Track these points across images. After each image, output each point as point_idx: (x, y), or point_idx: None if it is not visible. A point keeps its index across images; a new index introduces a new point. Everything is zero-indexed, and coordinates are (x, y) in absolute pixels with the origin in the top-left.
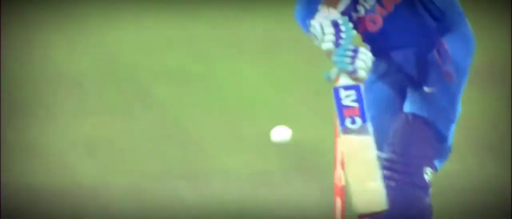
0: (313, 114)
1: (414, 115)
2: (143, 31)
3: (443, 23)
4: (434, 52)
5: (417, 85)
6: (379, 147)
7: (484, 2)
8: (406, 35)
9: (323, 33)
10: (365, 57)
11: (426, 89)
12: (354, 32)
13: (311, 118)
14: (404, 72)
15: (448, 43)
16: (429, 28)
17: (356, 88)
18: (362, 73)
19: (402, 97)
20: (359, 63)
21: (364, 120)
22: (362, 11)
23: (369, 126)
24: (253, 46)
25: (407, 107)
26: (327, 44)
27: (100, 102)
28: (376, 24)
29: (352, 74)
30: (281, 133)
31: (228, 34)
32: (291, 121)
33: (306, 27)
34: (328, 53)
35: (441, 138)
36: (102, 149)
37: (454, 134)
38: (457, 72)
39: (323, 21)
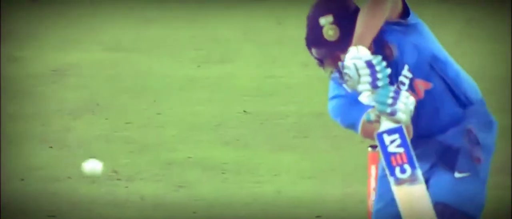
0: None
1: (444, 205)
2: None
3: (470, 110)
4: (464, 138)
5: (448, 171)
6: None
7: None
8: (435, 121)
9: (359, 75)
10: (406, 101)
11: (457, 174)
12: (389, 70)
13: None
14: (434, 159)
15: (476, 128)
16: (457, 114)
17: (399, 130)
18: (402, 116)
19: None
20: (400, 106)
21: (413, 167)
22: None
23: (419, 173)
24: None
25: (435, 196)
26: (364, 86)
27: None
28: None
29: (391, 116)
30: (93, 166)
31: None
32: None
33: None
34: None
35: None
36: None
37: None
38: (486, 155)
39: (357, 62)
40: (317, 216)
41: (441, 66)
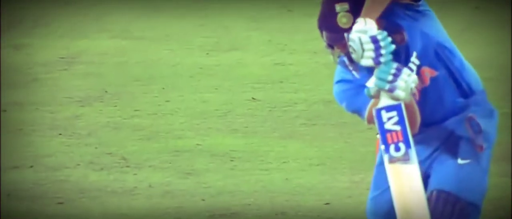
0: None
1: (442, 191)
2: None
3: (471, 99)
4: (466, 126)
5: (450, 158)
6: None
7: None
8: (439, 109)
9: (363, 49)
10: (407, 78)
11: (460, 161)
12: (393, 47)
13: None
14: (437, 144)
15: (478, 117)
16: (459, 103)
17: (397, 108)
18: (401, 93)
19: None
20: (399, 83)
21: (408, 146)
22: None
23: (414, 153)
24: None
25: (437, 184)
26: (367, 60)
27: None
28: (414, 95)
29: (390, 92)
30: None
31: None
32: None
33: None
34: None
35: (475, 211)
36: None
37: None
38: (488, 143)
39: (362, 36)
40: (325, 204)
41: (447, 55)
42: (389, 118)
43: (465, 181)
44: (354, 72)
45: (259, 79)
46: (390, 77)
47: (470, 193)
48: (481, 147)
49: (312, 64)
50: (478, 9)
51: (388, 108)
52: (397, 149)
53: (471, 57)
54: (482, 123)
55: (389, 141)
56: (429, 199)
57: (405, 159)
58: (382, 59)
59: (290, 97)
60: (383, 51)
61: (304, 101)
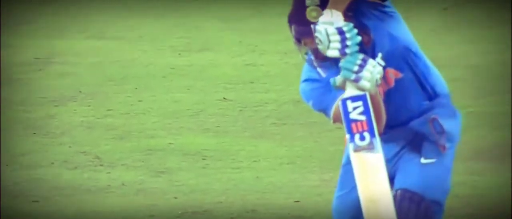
0: None
1: (407, 191)
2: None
3: (435, 102)
4: (430, 127)
5: (414, 157)
6: None
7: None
8: (403, 111)
9: (329, 40)
10: (372, 69)
11: (423, 160)
12: (359, 38)
13: None
14: (402, 144)
15: (441, 118)
16: (423, 105)
17: (362, 98)
18: (366, 84)
19: None
20: (365, 74)
21: (372, 134)
22: None
23: (378, 142)
24: None
25: (402, 183)
26: (333, 51)
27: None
28: (380, 92)
29: (355, 82)
30: None
31: None
32: None
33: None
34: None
35: (439, 209)
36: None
37: None
38: (450, 143)
39: (329, 27)
40: (295, 201)
41: (413, 58)
42: (355, 108)
43: (429, 180)
44: (320, 71)
45: (230, 80)
46: (356, 68)
47: (433, 192)
48: (444, 147)
49: (282, 65)
50: (446, 10)
51: (354, 98)
52: (362, 138)
53: (440, 58)
54: (445, 124)
55: (354, 130)
56: (394, 198)
57: (370, 148)
58: (348, 50)
59: (260, 97)
60: (349, 42)
61: (274, 101)
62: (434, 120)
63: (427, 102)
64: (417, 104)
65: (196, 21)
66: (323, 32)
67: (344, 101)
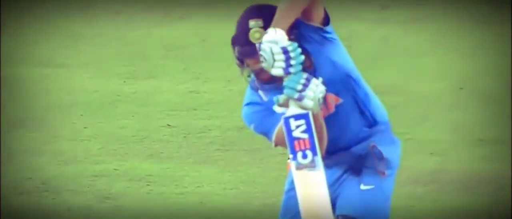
0: None
1: (347, 218)
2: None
3: (375, 129)
4: (369, 153)
5: (354, 184)
6: None
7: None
8: (343, 137)
9: (274, 59)
10: (316, 88)
11: (363, 187)
12: (303, 57)
13: None
14: (343, 170)
15: (381, 145)
16: (363, 132)
17: (305, 117)
18: (308, 103)
19: None
20: (308, 93)
21: (314, 153)
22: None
23: (320, 160)
24: None
25: (342, 209)
26: (277, 70)
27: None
28: (323, 111)
29: (298, 101)
30: None
31: None
32: None
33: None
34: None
35: None
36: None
37: (455, 132)
38: (390, 170)
39: (274, 47)
40: None
41: (353, 85)
42: (297, 126)
43: (368, 206)
44: (262, 94)
45: (174, 107)
46: (299, 87)
47: (373, 218)
48: (384, 173)
49: (225, 92)
50: (386, 38)
51: (297, 117)
52: (304, 156)
53: (379, 85)
54: (385, 151)
55: (297, 148)
56: None
57: (312, 166)
58: (292, 70)
59: (204, 123)
60: (293, 62)
61: (218, 127)
62: (373, 147)
63: (366, 129)
64: (357, 130)
65: (141, 49)
66: (268, 50)
67: (287, 120)
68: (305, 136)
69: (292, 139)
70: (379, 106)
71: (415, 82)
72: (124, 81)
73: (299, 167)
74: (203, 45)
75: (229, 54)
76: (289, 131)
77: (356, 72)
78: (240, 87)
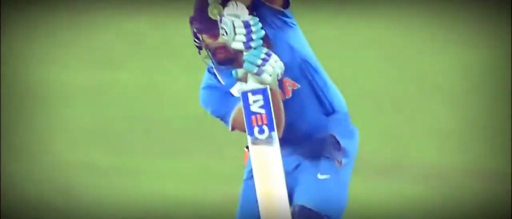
0: None
1: (303, 208)
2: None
3: (333, 117)
4: (327, 143)
5: (312, 173)
6: None
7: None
8: (300, 123)
9: (235, 33)
10: (275, 64)
11: (319, 176)
12: (263, 32)
13: None
14: (300, 159)
15: (338, 135)
16: (321, 120)
17: (263, 92)
18: (267, 77)
19: None
20: (267, 68)
21: (271, 128)
22: None
23: (276, 135)
24: None
25: (299, 199)
26: (238, 43)
27: None
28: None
29: (257, 76)
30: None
31: None
32: None
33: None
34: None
35: None
36: None
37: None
38: (347, 159)
39: (236, 20)
40: (200, 217)
41: (311, 72)
42: (255, 101)
43: (325, 196)
44: (219, 77)
45: (137, 96)
46: (259, 61)
47: (329, 208)
48: (341, 163)
49: (185, 83)
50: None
51: (255, 92)
52: (261, 131)
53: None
54: (342, 140)
55: (254, 123)
56: (292, 214)
57: (268, 141)
58: (252, 44)
59: (164, 115)
60: (254, 36)
61: (178, 118)
62: (331, 137)
63: (324, 117)
64: (315, 118)
65: (103, 40)
66: (229, 24)
67: (244, 94)
68: (262, 111)
69: (250, 113)
70: (337, 95)
71: (379, 73)
72: (85, 72)
73: (255, 142)
74: (164, 36)
75: (190, 46)
76: (247, 105)
77: (314, 59)
78: (201, 77)
